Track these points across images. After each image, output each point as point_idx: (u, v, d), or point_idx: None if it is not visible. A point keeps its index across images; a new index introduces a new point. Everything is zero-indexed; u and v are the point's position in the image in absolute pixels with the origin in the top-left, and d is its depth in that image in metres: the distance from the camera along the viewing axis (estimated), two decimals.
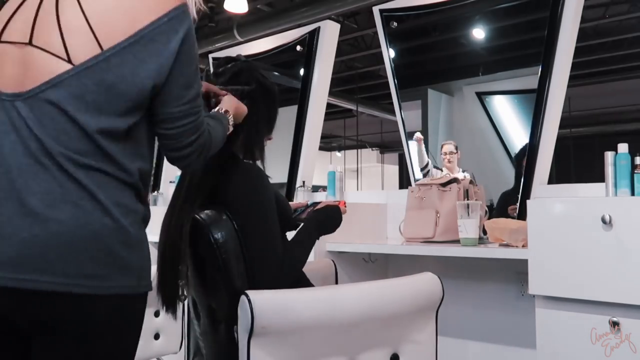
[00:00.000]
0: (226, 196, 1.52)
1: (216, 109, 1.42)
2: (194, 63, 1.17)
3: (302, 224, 1.69)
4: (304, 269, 1.62)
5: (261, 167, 1.66)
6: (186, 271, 1.50)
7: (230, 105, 1.46)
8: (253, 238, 1.49)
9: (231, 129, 1.42)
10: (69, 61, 1.06)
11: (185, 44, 1.12)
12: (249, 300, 1.25)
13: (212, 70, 1.69)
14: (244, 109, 1.52)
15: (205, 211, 1.49)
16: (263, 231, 1.51)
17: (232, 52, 3.97)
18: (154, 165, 1.24)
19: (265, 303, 1.28)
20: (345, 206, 1.80)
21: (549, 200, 1.96)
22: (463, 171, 2.95)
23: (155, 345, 2.34)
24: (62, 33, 1.07)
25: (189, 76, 1.15)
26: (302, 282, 1.65)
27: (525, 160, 2.61)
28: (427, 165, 3.08)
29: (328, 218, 1.73)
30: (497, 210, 2.51)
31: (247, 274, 1.47)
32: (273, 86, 1.69)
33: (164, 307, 1.50)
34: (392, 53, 3.21)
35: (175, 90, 1.13)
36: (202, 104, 1.21)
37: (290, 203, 1.83)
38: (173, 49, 1.11)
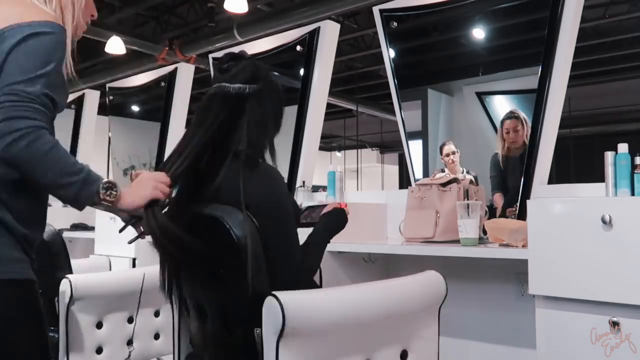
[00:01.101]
0: (246, 197, 1.44)
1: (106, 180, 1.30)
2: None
3: (314, 227, 1.71)
4: None
5: (273, 165, 1.63)
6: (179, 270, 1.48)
7: (130, 193, 1.33)
8: (274, 239, 1.45)
9: (107, 198, 1.28)
10: None
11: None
12: (279, 301, 1.24)
13: (212, 67, 1.69)
14: (139, 201, 1.35)
15: (222, 209, 1.42)
16: (284, 233, 1.49)
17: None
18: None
19: (295, 304, 1.28)
20: (347, 207, 1.85)
21: (549, 200, 1.96)
22: (468, 172, 2.94)
23: (155, 345, 2.34)
24: None
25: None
26: (312, 283, 1.66)
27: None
28: None
29: (338, 221, 1.77)
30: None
31: (269, 275, 1.41)
32: (278, 83, 1.66)
33: (174, 306, 1.50)
34: (392, 53, 3.21)
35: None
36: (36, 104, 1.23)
37: None
38: None
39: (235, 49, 1.69)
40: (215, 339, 1.50)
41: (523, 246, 2.08)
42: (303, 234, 1.62)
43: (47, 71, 1.24)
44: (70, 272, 2.46)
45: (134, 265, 3.37)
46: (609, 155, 2.08)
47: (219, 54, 4.09)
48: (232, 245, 1.37)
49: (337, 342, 1.39)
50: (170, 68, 4.67)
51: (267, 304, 1.27)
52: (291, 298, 1.28)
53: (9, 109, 1.19)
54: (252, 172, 1.49)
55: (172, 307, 1.66)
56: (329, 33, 3.49)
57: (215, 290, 1.47)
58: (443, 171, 2.98)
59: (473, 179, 2.65)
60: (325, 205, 1.87)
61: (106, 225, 3.38)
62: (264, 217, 1.43)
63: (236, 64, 1.59)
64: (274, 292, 1.28)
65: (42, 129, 1.21)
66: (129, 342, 2.25)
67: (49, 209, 1.44)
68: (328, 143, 14.04)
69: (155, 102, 4.78)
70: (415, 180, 3.03)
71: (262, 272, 1.40)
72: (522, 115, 2.76)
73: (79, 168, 1.25)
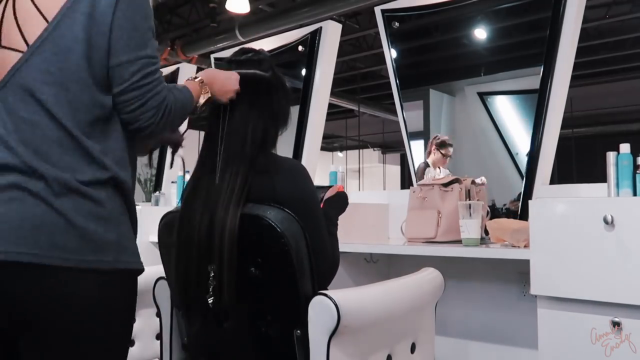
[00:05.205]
0: (282, 195, 1.41)
1: (190, 77, 1.37)
2: (138, 16, 1.17)
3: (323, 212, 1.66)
4: None
5: None
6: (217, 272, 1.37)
7: (208, 76, 1.39)
8: (315, 237, 1.40)
9: (203, 99, 1.35)
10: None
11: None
12: (333, 300, 1.24)
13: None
14: (229, 82, 1.43)
15: (269, 211, 1.35)
16: (320, 230, 1.46)
17: None
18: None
19: (348, 302, 1.28)
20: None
21: (551, 201, 1.96)
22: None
23: (157, 345, 2.34)
24: (19, 27, 1.14)
25: (132, 29, 1.15)
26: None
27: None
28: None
29: (342, 206, 1.76)
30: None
31: (312, 274, 1.37)
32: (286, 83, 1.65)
33: (186, 307, 1.45)
34: (394, 53, 3.21)
35: (118, 41, 1.14)
36: (157, 65, 1.20)
37: None
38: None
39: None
40: (237, 343, 1.43)
41: (525, 246, 2.08)
42: None
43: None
44: None
45: None
46: (611, 156, 2.08)
47: (221, 54, 4.09)
48: (282, 247, 1.33)
49: (373, 337, 1.42)
50: (172, 68, 4.66)
51: (319, 303, 1.26)
52: (343, 296, 1.28)
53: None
54: (281, 168, 1.47)
55: (160, 312, 1.62)
56: (331, 33, 3.49)
57: (247, 292, 1.39)
58: (428, 165, 3.03)
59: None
60: (327, 188, 1.82)
61: None
62: (304, 216, 1.39)
63: (253, 55, 1.56)
64: (323, 292, 1.28)
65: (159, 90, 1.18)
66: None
67: None
68: (330, 143, 14.05)
69: None
70: (417, 181, 3.03)
71: (307, 273, 1.35)
72: None
73: (187, 96, 1.29)
